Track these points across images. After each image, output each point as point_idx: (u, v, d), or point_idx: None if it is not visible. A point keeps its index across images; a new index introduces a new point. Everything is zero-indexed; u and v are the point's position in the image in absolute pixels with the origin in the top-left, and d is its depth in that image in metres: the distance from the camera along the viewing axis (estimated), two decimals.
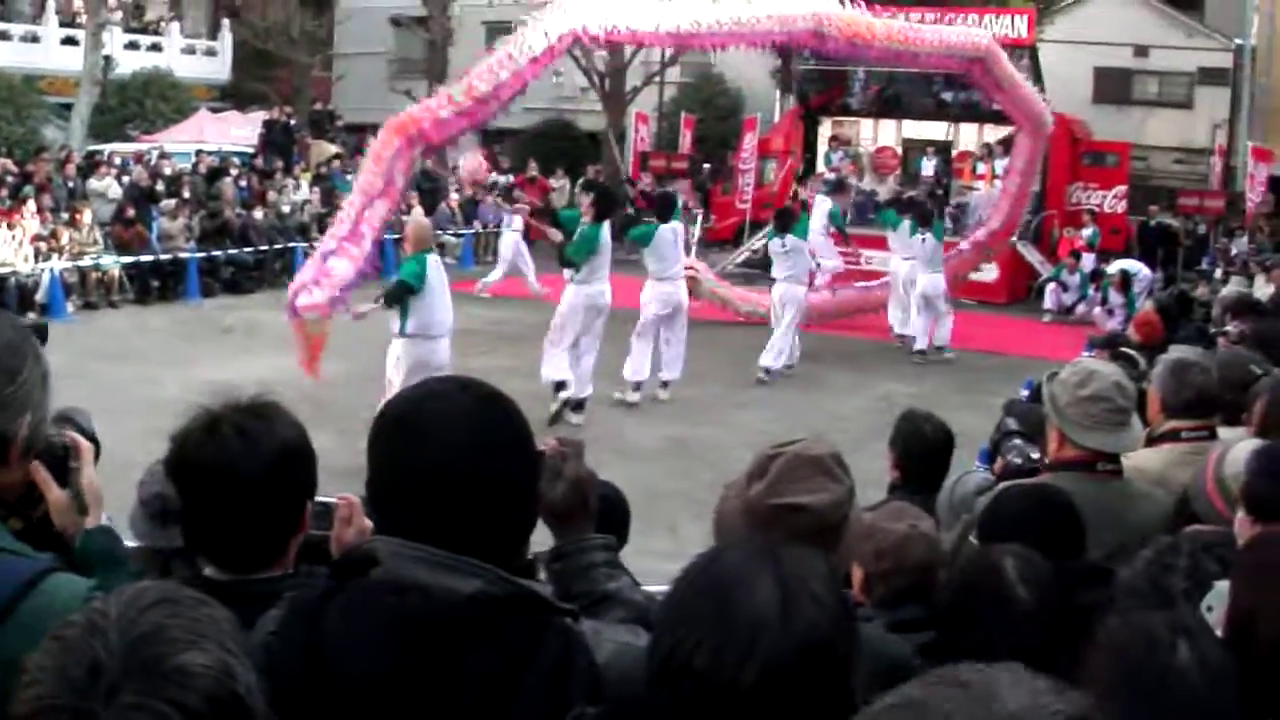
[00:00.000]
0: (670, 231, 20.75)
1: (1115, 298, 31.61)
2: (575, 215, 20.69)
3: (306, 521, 3.62)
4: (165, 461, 3.69)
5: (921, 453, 7.08)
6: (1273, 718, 3.16)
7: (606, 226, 19.91)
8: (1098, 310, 32.12)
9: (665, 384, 21.35)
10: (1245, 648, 3.29)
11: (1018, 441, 6.57)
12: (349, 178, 36.55)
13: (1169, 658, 3.08)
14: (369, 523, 3.35)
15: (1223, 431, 6.47)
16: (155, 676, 1.99)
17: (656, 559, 5.53)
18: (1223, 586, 3.74)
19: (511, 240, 33.26)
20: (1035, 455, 6.27)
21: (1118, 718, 2.99)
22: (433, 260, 17.27)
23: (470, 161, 42.73)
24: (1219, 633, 3.39)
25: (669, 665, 2.45)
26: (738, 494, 3.83)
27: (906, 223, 27.60)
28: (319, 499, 3.67)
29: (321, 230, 32.70)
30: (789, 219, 25.45)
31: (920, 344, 26.83)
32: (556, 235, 20.62)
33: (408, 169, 19.10)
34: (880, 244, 30.75)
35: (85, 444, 3.82)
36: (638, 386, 20.80)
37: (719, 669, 2.38)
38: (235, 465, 3.44)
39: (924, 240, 26.92)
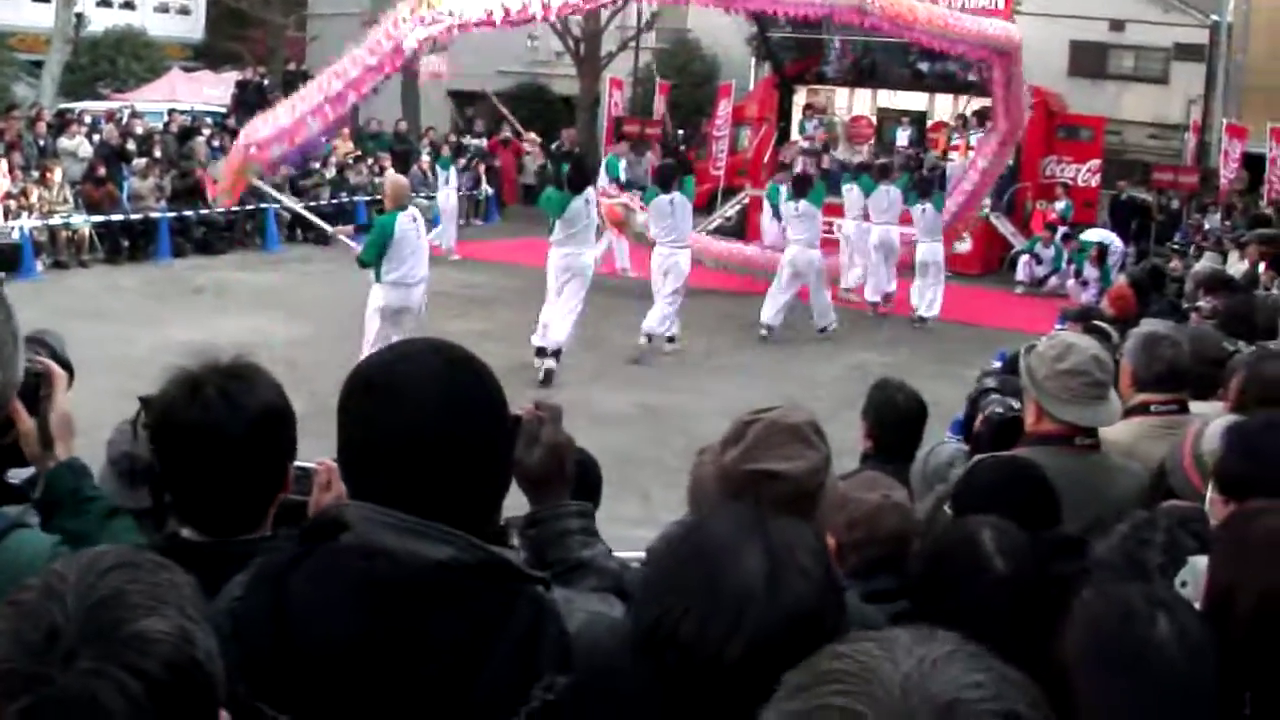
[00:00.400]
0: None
1: (1090, 270, 31.71)
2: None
3: (288, 484, 3.62)
4: (145, 424, 3.67)
5: (894, 422, 7.08)
6: (1250, 692, 3.15)
7: (582, 194, 20.32)
8: (1071, 282, 32.24)
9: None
10: (1223, 623, 3.28)
11: (995, 396, 6.59)
12: (324, 140, 36.51)
13: (1147, 631, 3.08)
14: (345, 487, 3.33)
15: (1194, 406, 6.49)
16: (113, 642, 1.96)
17: (628, 525, 5.54)
18: (1197, 562, 3.73)
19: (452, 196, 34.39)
20: (1016, 405, 6.30)
21: (1094, 690, 2.98)
22: (406, 215, 18.03)
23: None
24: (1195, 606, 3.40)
25: (654, 635, 2.43)
26: (713, 459, 3.81)
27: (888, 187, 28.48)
28: (298, 463, 3.67)
29: (295, 191, 32.75)
30: (806, 185, 26.27)
31: (925, 312, 27.50)
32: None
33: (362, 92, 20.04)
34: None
35: (58, 371, 3.79)
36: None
37: (705, 641, 2.37)
38: (219, 427, 3.44)
39: (924, 210, 27.68)
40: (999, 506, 4.35)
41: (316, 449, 3.63)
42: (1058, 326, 13.29)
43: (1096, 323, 11.65)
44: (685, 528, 2.57)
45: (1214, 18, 49.48)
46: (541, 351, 19.89)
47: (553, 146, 40.12)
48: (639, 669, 2.47)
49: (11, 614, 2.00)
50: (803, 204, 25.26)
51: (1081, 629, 3.18)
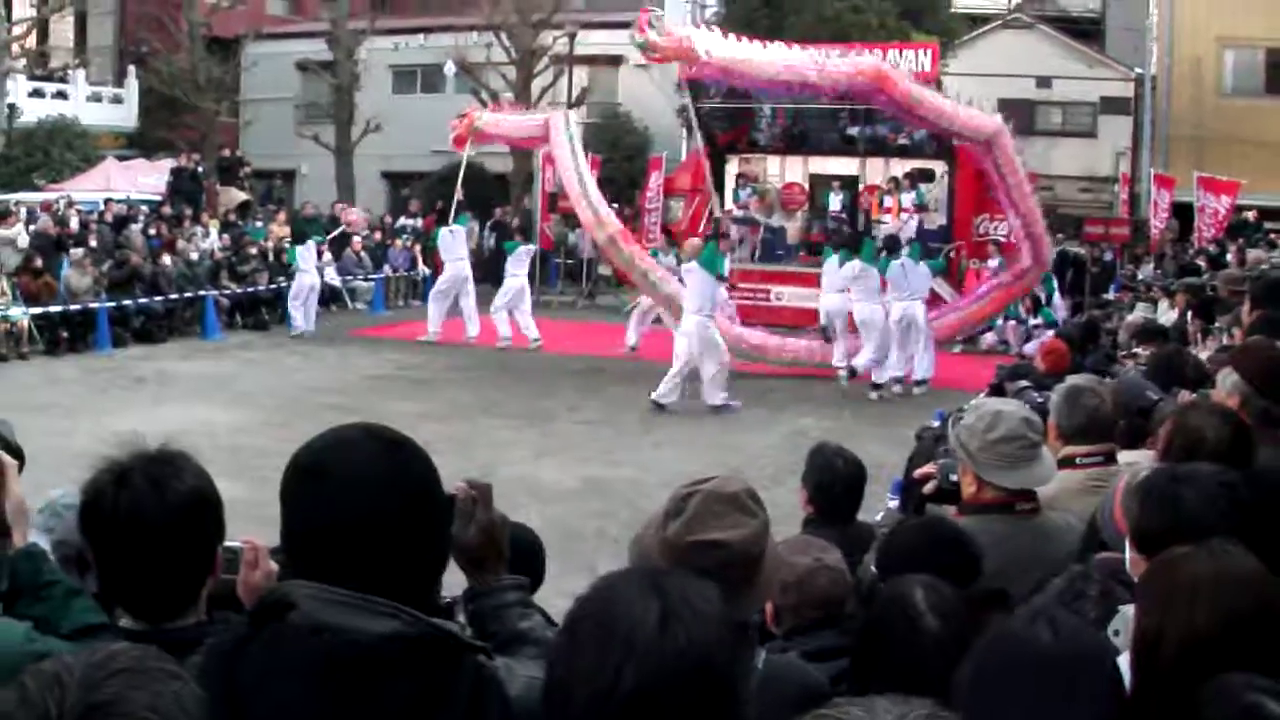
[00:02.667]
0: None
1: (1032, 320, 31.91)
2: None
3: (218, 567, 3.65)
4: (78, 513, 3.70)
5: (834, 486, 7.13)
6: None
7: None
8: (1010, 331, 32.46)
9: None
10: (1152, 668, 3.37)
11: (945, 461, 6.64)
12: (259, 224, 36.42)
13: (1024, 630, 3.20)
14: (275, 566, 3.40)
15: (1124, 455, 6.56)
16: None
17: (574, 599, 5.57)
18: (1127, 611, 3.80)
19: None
20: (954, 479, 6.29)
21: (985, 698, 3.09)
22: None
23: (351, 214, 42.94)
24: (1125, 655, 3.47)
25: (558, 675, 2.52)
26: (655, 533, 3.88)
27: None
28: (225, 544, 3.69)
29: (232, 277, 32.69)
30: (857, 243, 28.01)
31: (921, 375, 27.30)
32: None
33: None
34: (789, 280, 30.83)
35: (8, 460, 3.82)
36: None
37: (599, 676, 2.44)
38: (146, 514, 3.48)
39: (903, 266, 27.35)
40: (919, 567, 4.43)
41: (262, 534, 3.68)
42: (986, 389, 13.42)
43: (1033, 377, 11.78)
44: (591, 588, 2.65)
45: (1138, 70, 50.09)
46: None
47: (489, 224, 40.20)
48: (549, 716, 2.55)
49: (13, 697, 2.02)
50: (859, 264, 26.41)
51: (976, 648, 3.30)
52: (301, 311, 33.09)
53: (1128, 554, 4.44)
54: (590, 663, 2.46)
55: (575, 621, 2.59)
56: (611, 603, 2.55)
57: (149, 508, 3.48)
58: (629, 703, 2.43)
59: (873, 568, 5.03)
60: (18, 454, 3.95)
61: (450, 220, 32.92)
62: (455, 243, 32.50)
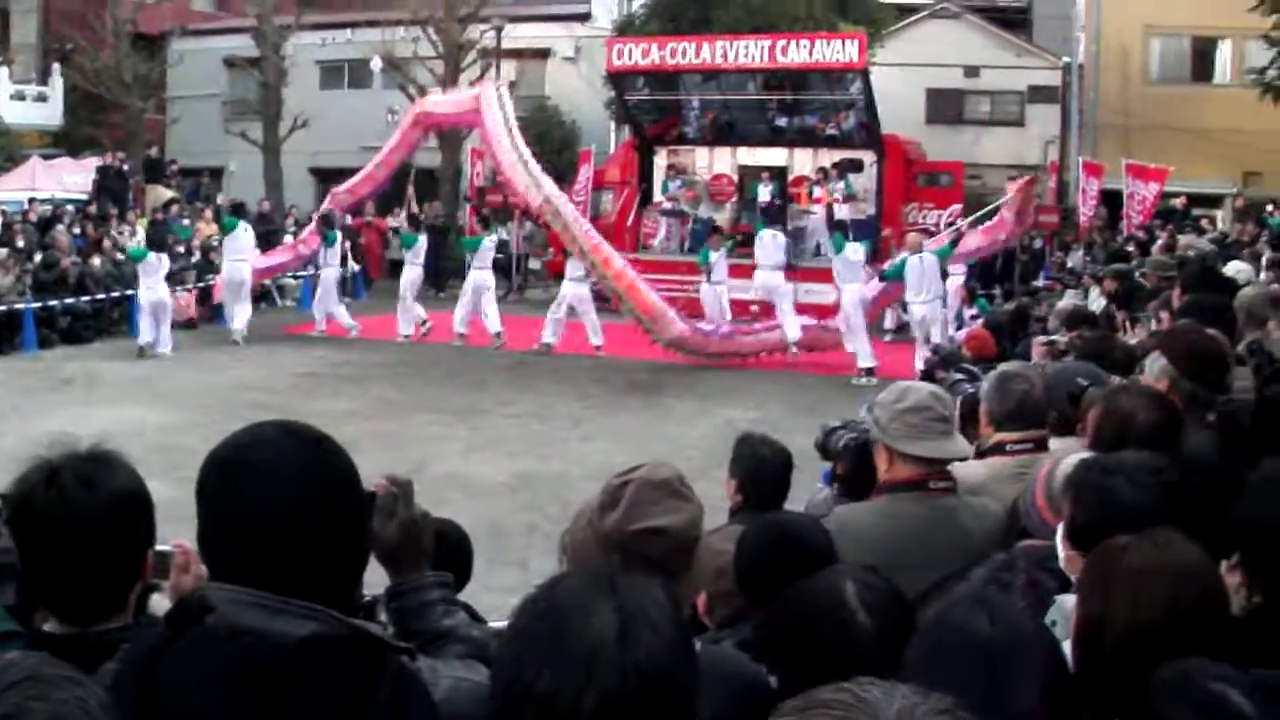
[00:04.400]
0: None
1: (965, 310, 32.04)
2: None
3: (148, 571, 3.60)
4: (5, 518, 3.65)
5: (761, 475, 7.11)
6: (1119, 718, 3.22)
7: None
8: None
9: None
10: (1094, 656, 3.37)
11: (841, 431, 6.66)
12: (185, 222, 36.16)
13: (963, 616, 3.17)
14: (205, 569, 3.34)
15: (1054, 443, 6.56)
16: None
17: (505, 595, 5.55)
18: (1065, 600, 3.80)
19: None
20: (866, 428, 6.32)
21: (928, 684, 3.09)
22: None
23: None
24: (1067, 644, 3.46)
25: (510, 693, 2.46)
26: (588, 525, 3.84)
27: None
28: (157, 548, 3.64)
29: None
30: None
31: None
32: None
33: None
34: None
35: None
36: None
37: (559, 695, 2.39)
38: (76, 514, 3.42)
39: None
40: (773, 568, 4.44)
41: (192, 535, 3.65)
42: (918, 377, 13.46)
43: (964, 365, 11.79)
44: (538, 589, 2.60)
45: (1065, 59, 50.43)
46: None
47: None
48: None
49: None
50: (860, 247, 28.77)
51: (918, 635, 3.28)
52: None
53: (1060, 549, 4.42)
54: (547, 683, 2.41)
55: (525, 633, 2.53)
56: (566, 614, 2.50)
57: (79, 507, 3.42)
58: None
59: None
60: None
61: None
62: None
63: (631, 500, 3.79)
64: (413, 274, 32.90)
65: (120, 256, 33.76)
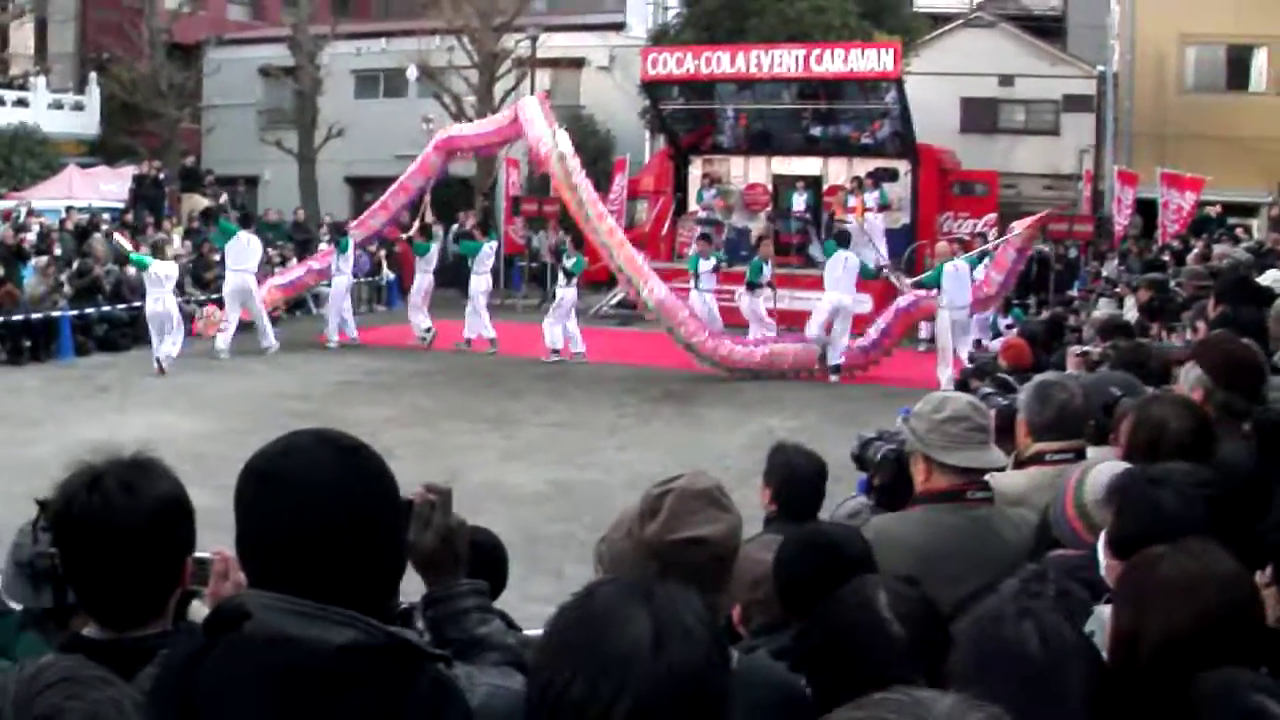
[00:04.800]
0: None
1: (1003, 320, 31.91)
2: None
3: (187, 577, 3.61)
4: (44, 526, 3.68)
5: (795, 484, 7.11)
6: None
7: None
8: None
9: None
10: (1129, 667, 3.36)
11: (879, 443, 6.63)
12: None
13: (1012, 631, 3.15)
14: (244, 577, 3.35)
15: (1091, 451, 6.54)
16: None
17: (541, 603, 5.55)
18: (1102, 611, 3.79)
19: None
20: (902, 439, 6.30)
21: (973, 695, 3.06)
22: None
23: None
24: (1103, 655, 3.46)
25: (545, 699, 2.46)
26: (628, 535, 3.85)
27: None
28: (196, 555, 3.66)
29: (197, 283, 32.49)
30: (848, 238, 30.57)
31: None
32: None
33: None
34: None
35: None
36: None
37: (593, 702, 2.40)
38: (117, 519, 3.44)
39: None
40: (813, 579, 4.43)
41: (226, 543, 3.66)
42: (952, 386, 13.44)
43: (999, 375, 11.77)
44: (574, 597, 2.61)
45: (1100, 68, 50.18)
46: None
47: (453, 228, 40.10)
48: None
49: None
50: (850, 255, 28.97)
51: (960, 643, 3.26)
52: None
53: (1103, 559, 4.41)
54: (582, 689, 2.42)
55: (560, 639, 2.54)
56: (601, 620, 2.50)
57: (120, 512, 3.44)
58: None
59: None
60: None
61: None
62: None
63: (672, 510, 3.80)
64: (423, 281, 33.09)
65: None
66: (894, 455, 6.49)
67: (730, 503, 3.92)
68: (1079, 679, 3.11)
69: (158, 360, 27.47)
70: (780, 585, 4.80)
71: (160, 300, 28.22)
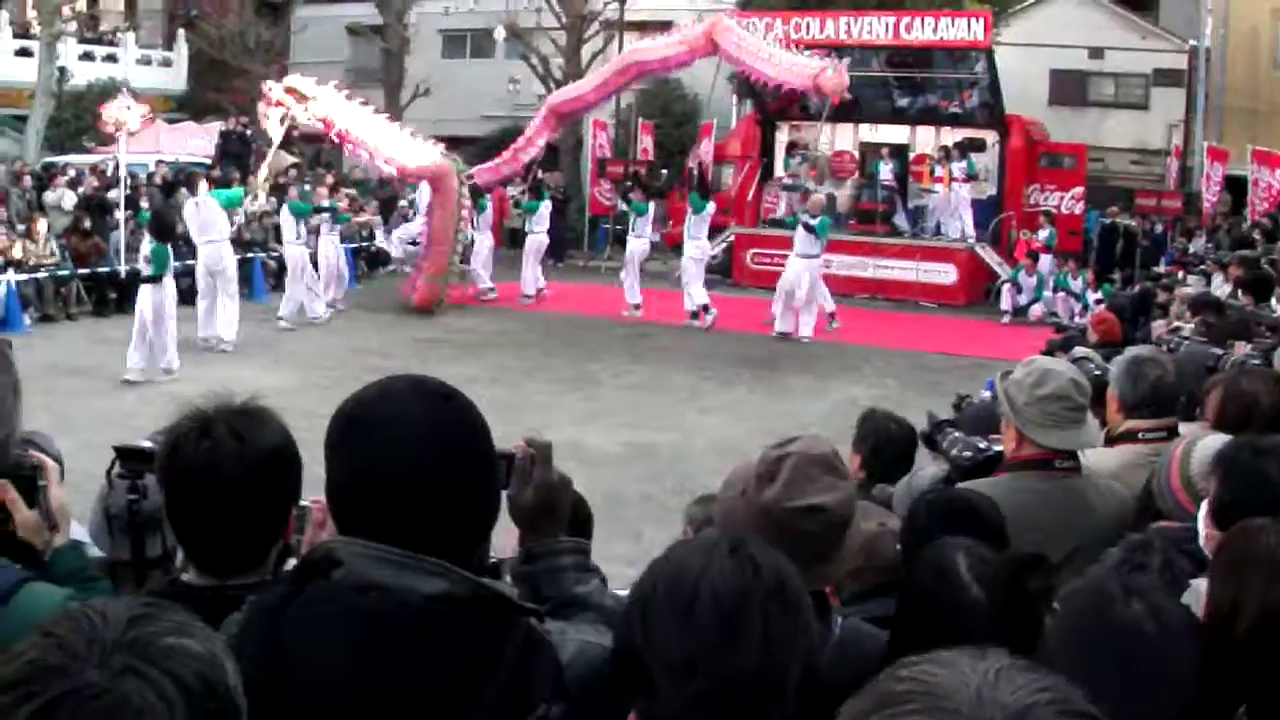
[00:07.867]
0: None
1: (1092, 295, 31.78)
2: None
3: (290, 527, 3.64)
4: (120, 474, 3.68)
5: (887, 450, 7.09)
6: (1246, 705, 3.17)
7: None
8: (1060, 303, 32.44)
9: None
10: (1224, 640, 3.30)
11: (956, 435, 6.49)
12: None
13: (1123, 612, 3.10)
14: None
15: (1183, 428, 6.45)
16: (151, 649, 1.97)
17: (620, 564, 5.54)
18: (1199, 584, 3.74)
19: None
20: (983, 445, 6.19)
21: (1072, 674, 3.01)
22: None
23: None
24: None
25: (628, 656, 2.45)
26: (741, 495, 3.83)
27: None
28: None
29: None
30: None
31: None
32: None
33: None
34: (839, 248, 31.21)
35: (51, 464, 3.83)
36: None
37: (680, 661, 2.38)
38: (225, 466, 3.47)
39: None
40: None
41: (306, 495, 3.64)
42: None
43: (1080, 349, 11.67)
44: (663, 556, 2.58)
45: (1192, 42, 49.71)
46: None
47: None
48: (617, 690, 2.49)
49: (52, 628, 2.00)
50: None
51: (1061, 619, 3.21)
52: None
53: (1202, 529, 4.35)
54: (675, 652, 2.40)
55: (647, 596, 2.52)
56: (687, 579, 2.48)
57: (229, 459, 3.47)
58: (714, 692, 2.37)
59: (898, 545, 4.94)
60: (57, 460, 3.97)
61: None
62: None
63: (790, 475, 3.76)
64: (534, 242, 34.18)
65: (243, 220, 33.78)
66: (970, 464, 6.24)
67: (847, 470, 3.91)
68: (1191, 659, 3.06)
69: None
70: (908, 549, 4.74)
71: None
